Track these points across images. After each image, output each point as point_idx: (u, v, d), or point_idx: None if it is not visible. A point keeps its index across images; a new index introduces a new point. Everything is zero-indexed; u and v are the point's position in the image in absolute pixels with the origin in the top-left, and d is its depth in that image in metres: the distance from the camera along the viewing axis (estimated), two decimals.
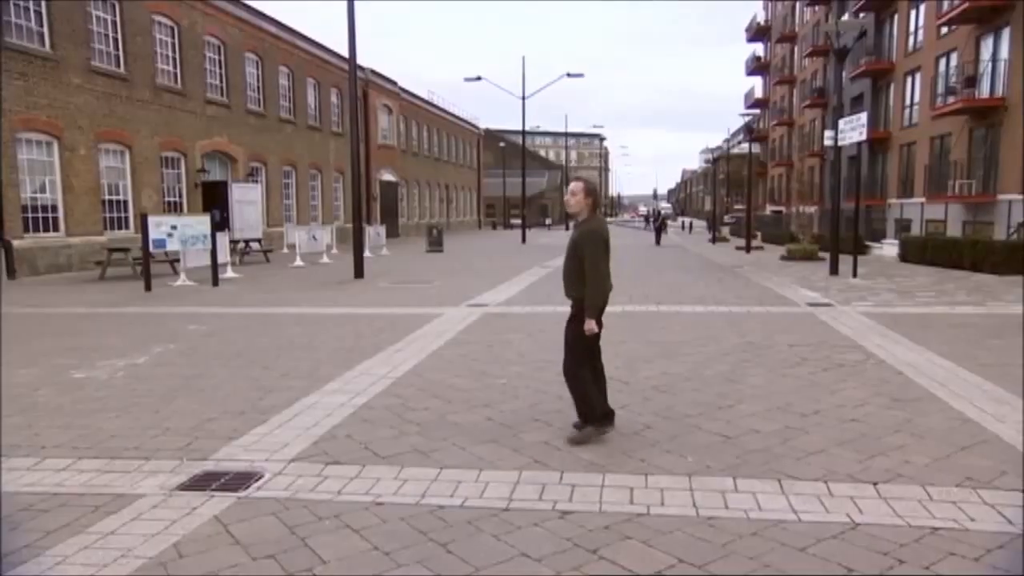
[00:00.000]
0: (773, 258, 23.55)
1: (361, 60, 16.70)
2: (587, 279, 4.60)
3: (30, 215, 16.95)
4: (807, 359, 7.24)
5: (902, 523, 3.44)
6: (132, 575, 3.05)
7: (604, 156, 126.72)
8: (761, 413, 5.32)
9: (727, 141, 72.40)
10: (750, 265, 20.47)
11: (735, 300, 12.06)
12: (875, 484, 3.92)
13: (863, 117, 16.39)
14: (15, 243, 16.11)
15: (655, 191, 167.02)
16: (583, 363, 4.73)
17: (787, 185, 50.33)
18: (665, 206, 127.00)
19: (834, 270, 16.79)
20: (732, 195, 68.47)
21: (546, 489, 3.92)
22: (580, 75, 36.53)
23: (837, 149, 16.99)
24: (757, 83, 61.15)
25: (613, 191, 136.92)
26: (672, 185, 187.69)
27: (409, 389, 6.12)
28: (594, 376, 4.80)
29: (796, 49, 48.42)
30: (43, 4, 17.14)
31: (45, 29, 17.23)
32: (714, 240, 38.07)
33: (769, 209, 54.45)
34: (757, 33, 58.56)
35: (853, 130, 16.48)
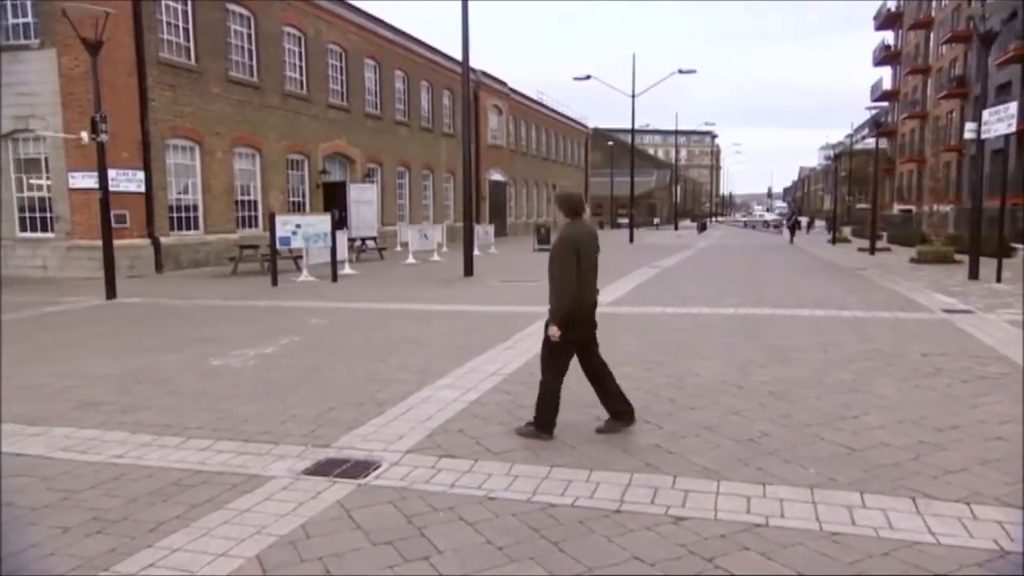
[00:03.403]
0: (901, 260, 21.98)
1: (472, 61, 17.03)
2: (552, 284, 4.60)
3: (174, 215, 18.47)
4: (943, 369, 6.72)
5: None
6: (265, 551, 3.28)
7: (715, 154, 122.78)
8: (891, 425, 4.99)
9: (850, 136, 68.27)
10: (875, 267, 19.21)
11: (859, 304, 11.37)
12: None
13: (1012, 107, 14.96)
14: (162, 240, 17.62)
15: (769, 190, 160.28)
16: (553, 371, 4.73)
17: (918, 182, 46.84)
18: (780, 205, 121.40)
19: (974, 274, 15.46)
20: (855, 193, 64.52)
21: (658, 493, 3.86)
22: (692, 71, 35.58)
23: (980, 142, 15.63)
24: (886, 73, 57.31)
25: (724, 190, 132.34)
26: (788, 183, 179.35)
27: (519, 387, 6.19)
28: (596, 379, 4.88)
29: (932, 36, 44.94)
30: (191, 21, 18.64)
31: (191, 44, 18.74)
32: (834, 240, 36.03)
33: (896, 208, 50.86)
34: (887, 20, 54.85)
35: (1000, 121, 15.08)
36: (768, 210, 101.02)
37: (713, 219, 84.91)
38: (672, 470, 4.19)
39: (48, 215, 16.99)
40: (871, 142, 49.33)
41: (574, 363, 4.87)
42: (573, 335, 4.67)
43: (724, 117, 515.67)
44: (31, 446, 4.77)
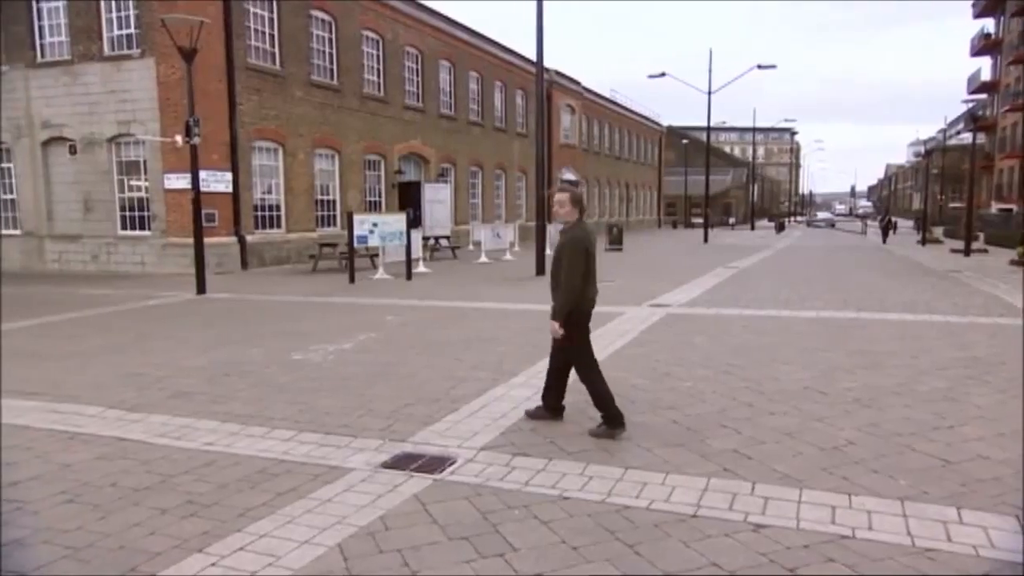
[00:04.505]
0: (1000, 263, 20.65)
1: (545, 61, 17.03)
2: (562, 283, 4.74)
3: (259, 214, 19.26)
4: None
5: None
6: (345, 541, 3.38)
7: (795, 151, 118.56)
8: (990, 438, 4.71)
9: (943, 131, 64.69)
10: (971, 270, 18.12)
11: (953, 309, 10.76)
12: None
13: None
14: (247, 238, 18.41)
15: (853, 188, 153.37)
16: (591, 364, 4.90)
17: (1020, 179, 43.87)
18: (865, 204, 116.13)
19: None
20: (947, 192, 61.04)
21: (736, 499, 3.77)
22: (772, 66, 34.49)
23: None
24: (984, 64, 53.91)
25: (804, 188, 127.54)
26: (873, 181, 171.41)
27: None
28: (555, 369, 5.03)
29: None
30: (276, 28, 19.41)
31: (276, 49, 19.50)
32: (924, 241, 34.21)
33: (995, 207, 47.81)
34: (987, 7, 51.57)
35: None
36: (851, 209, 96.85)
37: (791, 219, 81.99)
38: (751, 476, 4.08)
39: (146, 214, 18.02)
40: (967, 137, 46.55)
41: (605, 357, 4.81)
42: (583, 329, 4.90)
43: (805, 113, 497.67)
44: (132, 431, 5.07)
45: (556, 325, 4.77)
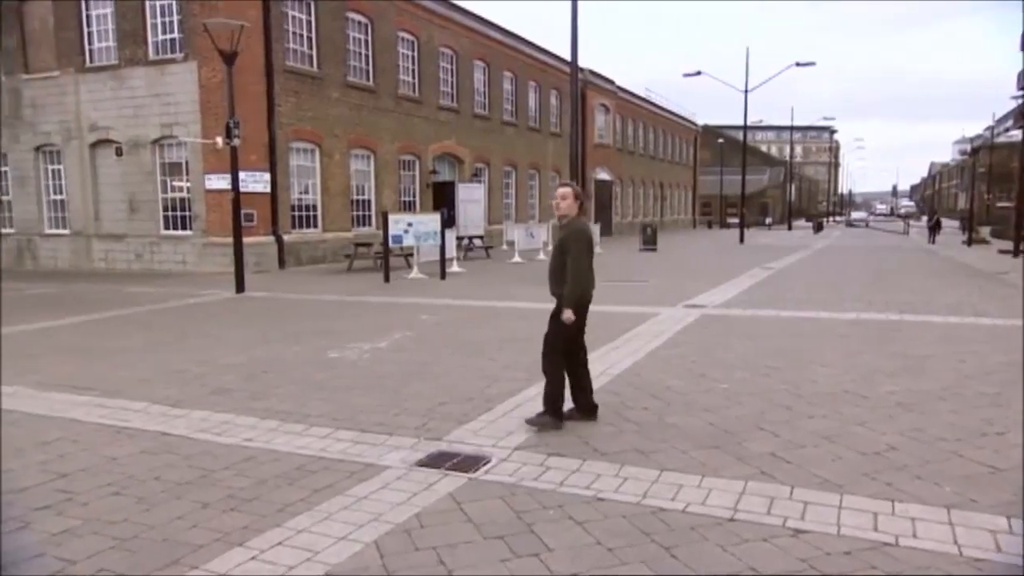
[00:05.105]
0: None
1: (580, 60, 16.96)
2: (568, 271, 4.91)
3: (296, 213, 19.58)
4: None
5: None
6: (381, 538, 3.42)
7: (834, 150, 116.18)
8: None
9: (990, 129, 62.79)
10: (1019, 271, 17.55)
11: (1000, 312, 10.43)
12: None
13: None
14: (285, 238, 18.72)
15: (894, 187, 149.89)
16: (560, 359, 5.04)
17: None
18: (907, 204, 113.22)
19: None
20: (995, 191, 59.18)
21: (775, 503, 3.71)
22: (811, 63, 33.87)
23: None
24: None
25: (843, 188, 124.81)
26: (916, 180, 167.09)
27: (627, 388, 6.12)
28: (571, 370, 5.13)
29: None
30: (313, 31, 19.70)
31: (314, 52, 19.80)
32: (970, 242, 33.25)
33: None
34: None
35: None
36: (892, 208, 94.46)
37: (830, 219, 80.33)
38: (789, 480, 4.01)
39: (187, 214, 18.44)
40: (1016, 134, 45.10)
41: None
42: (582, 320, 5.09)
43: (844, 111, 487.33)
44: (175, 427, 5.20)
45: (569, 313, 4.90)
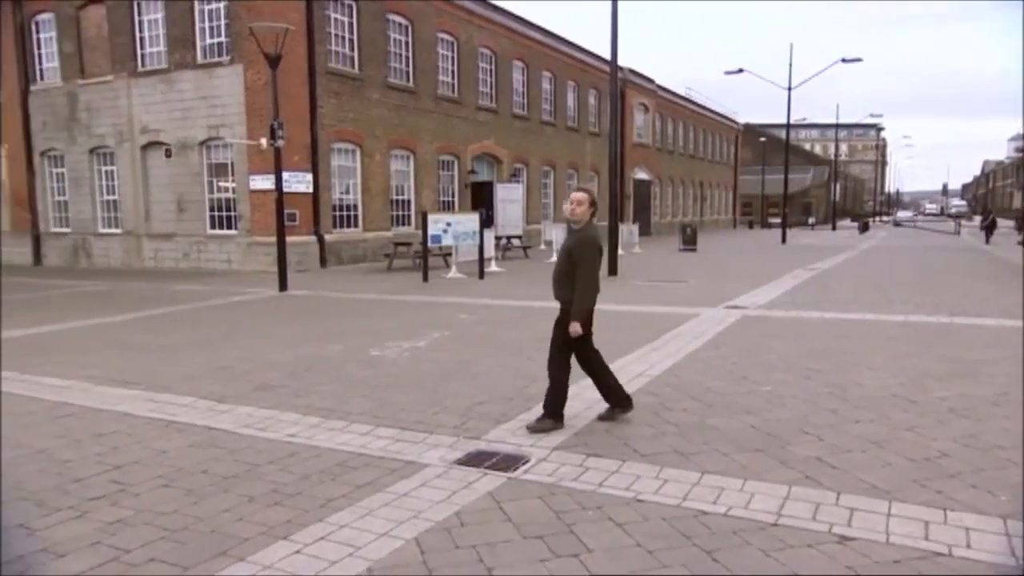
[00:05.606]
0: None
1: (619, 59, 16.85)
2: (578, 283, 4.85)
3: (337, 213, 19.87)
4: None
5: None
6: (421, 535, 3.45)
7: (881, 148, 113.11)
8: None
9: None
10: None
11: None
12: None
13: None
14: (326, 237, 19.02)
15: (945, 186, 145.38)
16: (566, 364, 5.01)
17: None
18: (959, 203, 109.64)
19: None
20: None
21: (820, 509, 3.64)
22: (857, 60, 33.07)
23: None
24: None
25: (891, 187, 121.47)
26: (967, 179, 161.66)
27: (666, 389, 6.07)
28: (594, 373, 5.14)
29: None
30: (355, 33, 19.97)
31: (355, 53, 20.07)
32: None
33: None
34: None
35: None
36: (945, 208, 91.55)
37: (876, 218, 78.27)
38: (835, 486, 3.93)
39: (232, 214, 18.87)
40: None
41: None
42: (589, 329, 5.04)
43: (891, 108, 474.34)
44: (221, 422, 5.33)
45: (577, 326, 4.88)
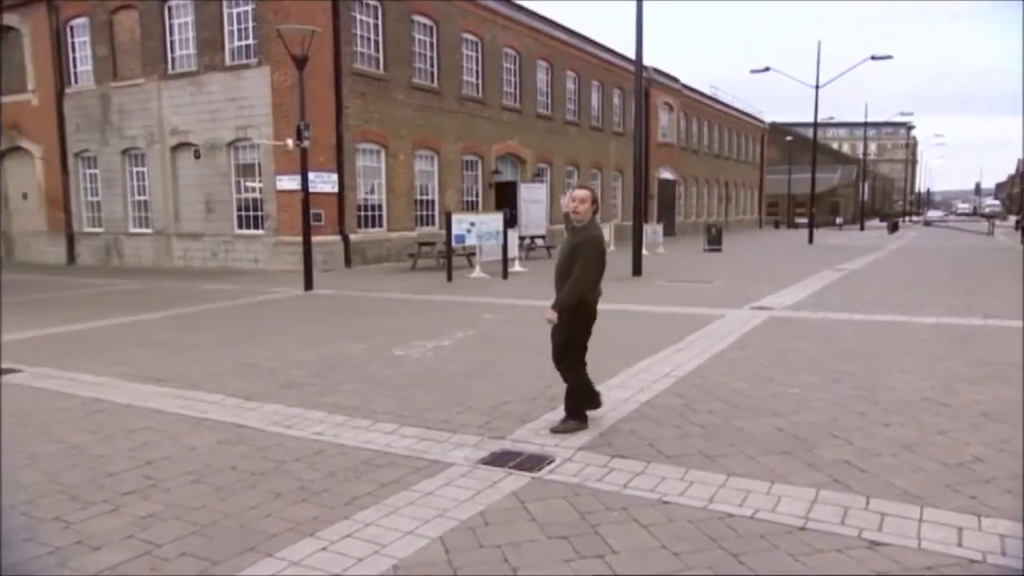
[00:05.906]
0: None
1: (644, 59, 16.76)
2: (573, 276, 4.79)
3: (361, 213, 20.03)
4: None
5: None
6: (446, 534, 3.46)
7: (912, 147, 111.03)
8: None
9: None
10: None
11: None
12: None
13: None
14: (351, 237, 19.18)
15: (978, 185, 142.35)
16: (576, 362, 5.01)
17: None
18: (992, 203, 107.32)
19: None
20: None
21: (849, 513, 3.59)
22: (887, 57, 32.49)
23: None
24: None
25: (922, 186, 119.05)
26: (1002, 177, 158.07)
27: (691, 390, 6.02)
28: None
29: None
30: (380, 34, 20.12)
31: (380, 54, 20.22)
32: None
33: None
34: None
35: None
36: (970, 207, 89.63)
37: (906, 218, 76.87)
38: (865, 490, 3.87)
39: (259, 214, 19.11)
40: None
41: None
42: (588, 326, 5.04)
43: (922, 106, 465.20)
44: (248, 419, 5.40)
45: (553, 314, 4.85)
